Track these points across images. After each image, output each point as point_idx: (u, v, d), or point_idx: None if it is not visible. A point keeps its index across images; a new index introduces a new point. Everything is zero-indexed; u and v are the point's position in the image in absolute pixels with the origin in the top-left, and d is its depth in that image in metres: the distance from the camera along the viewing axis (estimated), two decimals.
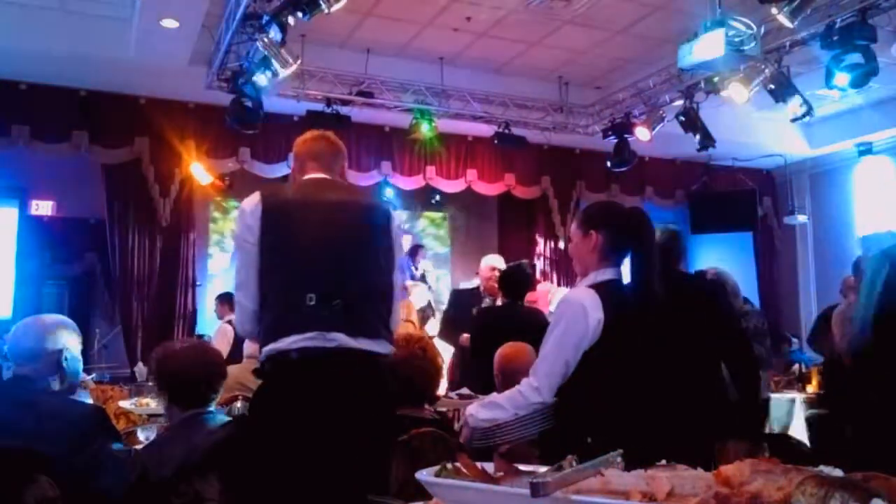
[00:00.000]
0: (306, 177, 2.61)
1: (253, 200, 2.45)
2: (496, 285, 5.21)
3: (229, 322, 7.28)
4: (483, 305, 5.32)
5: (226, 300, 7.74)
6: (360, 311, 2.40)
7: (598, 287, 2.31)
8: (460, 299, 5.79)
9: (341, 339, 2.32)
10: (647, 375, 2.28)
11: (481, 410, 2.34)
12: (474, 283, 6.27)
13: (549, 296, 7.00)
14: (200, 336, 7.75)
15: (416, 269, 9.09)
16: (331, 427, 2.28)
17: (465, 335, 5.16)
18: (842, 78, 6.11)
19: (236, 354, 5.08)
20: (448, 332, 5.66)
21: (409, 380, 2.77)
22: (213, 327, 9.10)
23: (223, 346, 6.33)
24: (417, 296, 7.63)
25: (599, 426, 2.16)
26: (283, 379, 2.35)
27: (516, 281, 4.82)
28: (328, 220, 2.48)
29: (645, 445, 2.03)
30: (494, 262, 5.49)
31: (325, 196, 2.55)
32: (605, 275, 2.36)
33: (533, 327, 5.08)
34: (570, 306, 2.30)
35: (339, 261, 2.42)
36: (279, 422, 2.31)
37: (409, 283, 8.56)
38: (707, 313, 3.33)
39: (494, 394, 2.52)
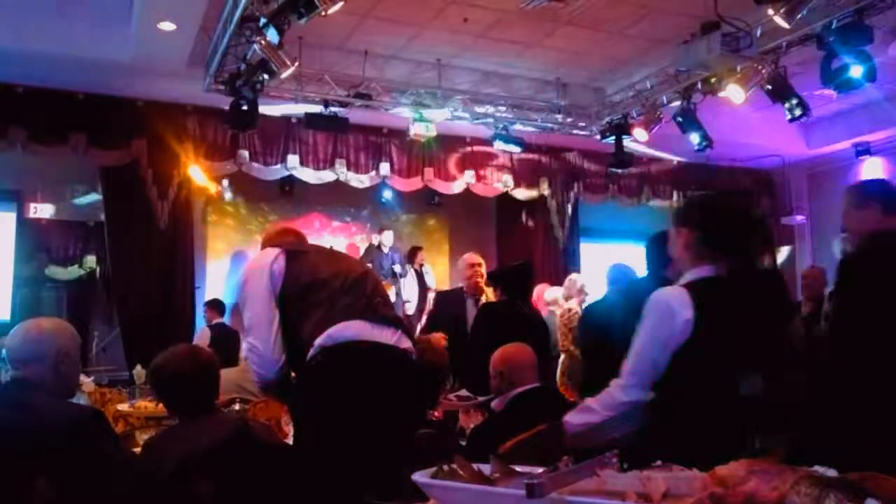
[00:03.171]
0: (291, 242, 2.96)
1: (272, 254, 2.77)
2: (479, 282, 5.18)
3: (212, 326, 7.49)
4: (483, 303, 5.28)
5: (214, 306, 7.86)
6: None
7: (690, 285, 2.23)
8: (443, 301, 5.77)
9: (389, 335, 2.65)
10: (740, 374, 2.21)
11: (575, 416, 2.28)
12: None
13: (546, 296, 7.00)
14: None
15: (416, 270, 9.11)
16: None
17: (438, 336, 5.13)
18: (839, 78, 6.12)
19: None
20: (426, 332, 5.63)
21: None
22: None
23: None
24: (409, 290, 7.64)
25: (690, 425, 2.11)
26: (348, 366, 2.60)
27: (519, 279, 4.79)
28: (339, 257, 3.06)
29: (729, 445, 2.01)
30: (474, 257, 5.45)
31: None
32: (701, 272, 2.26)
33: (536, 326, 5.10)
34: (657, 305, 2.22)
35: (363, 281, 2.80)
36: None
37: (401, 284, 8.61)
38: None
39: (588, 399, 2.46)
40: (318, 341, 2.58)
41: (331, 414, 2.55)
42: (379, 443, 2.50)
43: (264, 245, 2.97)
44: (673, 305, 2.17)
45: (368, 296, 2.74)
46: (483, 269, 5.29)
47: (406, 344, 2.72)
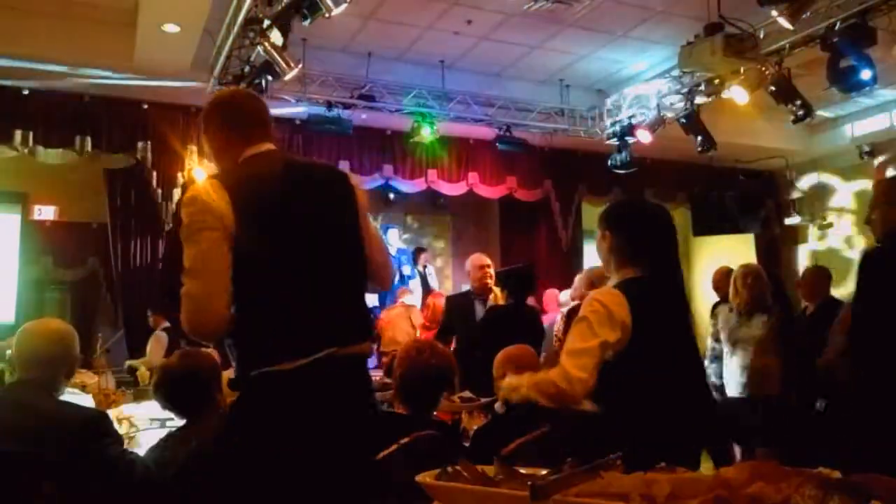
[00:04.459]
0: (255, 151, 2.18)
1: (214, 184, 2.00)
2: (489, 283, 5.19)
3: (164, 330, 7.53)
4: (491, 305, 5.29)
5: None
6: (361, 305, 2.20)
7: (621, 286, 2.32)
8: (452, 305, 5.77)
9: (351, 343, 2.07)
10: (675, 374, 2.28)
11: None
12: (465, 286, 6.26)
13: (561, 298, 6.99)
14: None
15: (419, 271, 9.11)
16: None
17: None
18: (848, 78, 6.12)
19: None
20: (440, 337, 5.65)
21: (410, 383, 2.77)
22: None
23: (158, 355, 6.85)
24: (418, 298, 7.67)
25: (632, 427, 2.16)
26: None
27: (524, 281, 4.81)
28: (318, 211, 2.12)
29: (675, 447, 2.06)
30: (482, 259, 5.46)
31: (303, 178, 2.20)
32: (628, 274, 2.37)
33: (538, 328, 5.11)
34: (592, 306, 2.29)
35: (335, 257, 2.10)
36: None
37: (409, 285, 8.60)
38: None
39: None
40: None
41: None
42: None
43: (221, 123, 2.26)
44: (610, 306, 2.25)
45: None
46: (492, 271, 5.30)
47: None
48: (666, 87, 8.07)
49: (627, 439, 1.74)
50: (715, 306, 5.62)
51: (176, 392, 2.66)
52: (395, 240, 9.32)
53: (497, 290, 5.22)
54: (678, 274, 2.45)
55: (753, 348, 4.67)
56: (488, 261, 5.41)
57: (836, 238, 10.24)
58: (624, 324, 2.22)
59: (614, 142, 8.75)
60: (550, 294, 7.20)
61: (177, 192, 8.24)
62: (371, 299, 9.45)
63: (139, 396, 5.36)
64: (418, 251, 9.56)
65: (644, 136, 8.41)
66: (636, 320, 2.22)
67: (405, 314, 7.30)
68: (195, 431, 2.54)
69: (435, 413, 3.00)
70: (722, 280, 6.60)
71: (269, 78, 6.53)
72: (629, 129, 8.55)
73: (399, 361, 2.84)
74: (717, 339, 4.98)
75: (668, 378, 2.26)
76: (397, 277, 8.99)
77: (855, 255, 9.19)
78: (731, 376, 4.77)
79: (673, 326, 2.35)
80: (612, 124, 8.74)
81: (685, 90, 7.84)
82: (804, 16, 5.69)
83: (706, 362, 4.80)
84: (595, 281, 5.04)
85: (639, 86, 8.38)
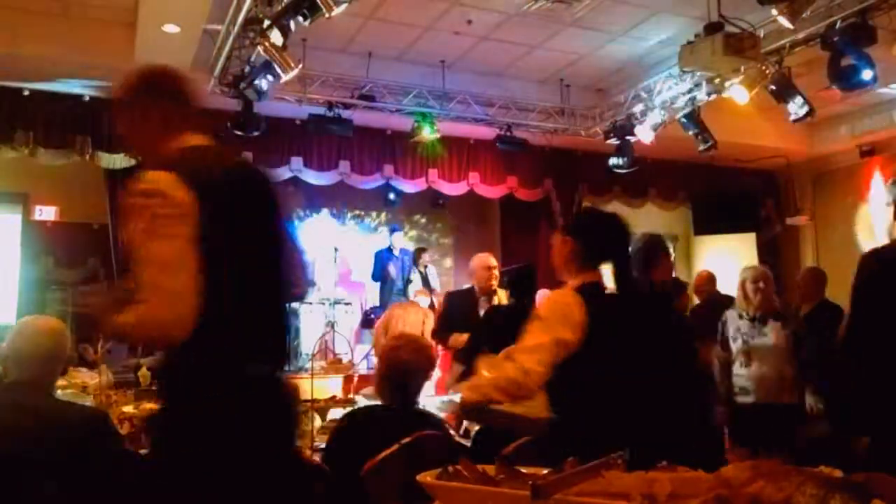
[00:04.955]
0: (191, 144, 2.04)
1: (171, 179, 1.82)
2: (494, 285, 5.18)
3: None
4: (493, 304, 5.27)
5: None
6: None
7: (578, 289, 2.43)
8: (454, 301, 5.76)
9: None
10: (629, 376, 2.37)
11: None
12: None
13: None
14: None
15: (420, 271, 9.10)
16: None
17: (456, 336, 5.13)
18: (849, 77, 6.11)
19: None
20: (441, 333, 5.63)
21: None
22: None
23: None
24: (421, 302, 7.66)
25: (587, 425, 2.24)
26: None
27: (527, 281, 4.81)
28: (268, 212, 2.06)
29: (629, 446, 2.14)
30: (489, 259, 5.46)
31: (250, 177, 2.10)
32: (586, 278, 2.49)
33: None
34: (550, 305, 2.42)
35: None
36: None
37: (417, 290, 8.57)
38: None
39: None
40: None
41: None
42: None
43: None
44: (567, 306, 2.36)
45: None
46: (497, 272, 5.29)
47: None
48: (666, 86, 8.07)
49: (582, 443, 1.79)
50: (719, 311, 5.46)
51: None
52: (398, 242, 9.32)
53: (502, 292, 5.21)
54: (634, 279, 2.64)
55: (770, 357, 4.53)
56: (495, 262, 5.39)
57: (837, 238, 10.23)
58: (580, 325, 2.32)
59: (615, 141, 8.74)
60: (543, 295, 7.16)
61: None
62: (372, 299, 9.46)
63: (140, 397, 5.36)
64: (419, 251, 9.56)
65: (645, 136, 8.40)
66: (592, 322, 2.33)
67: (419, 311, 7.24)
68: None
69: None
70: (703, 284, 6.65)
71: (270, 78, 6.53)
72: (630, 129, 8.54)
73: (380, 356, 2.99)
74: (724, 347, 4.70)
75: (621, 382, 2.35)
76: (400, 279, 8.98)
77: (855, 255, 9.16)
78: (749, 384, 4.57)
79: (628, 331, 2.46)
80: (613, 124, 8.74)
81: (686, 89, 7.84)
82: (804, 15, 5.68)
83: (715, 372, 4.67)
84: None
85: (639, 85, 8.37)
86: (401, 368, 2.81)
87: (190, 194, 1.81)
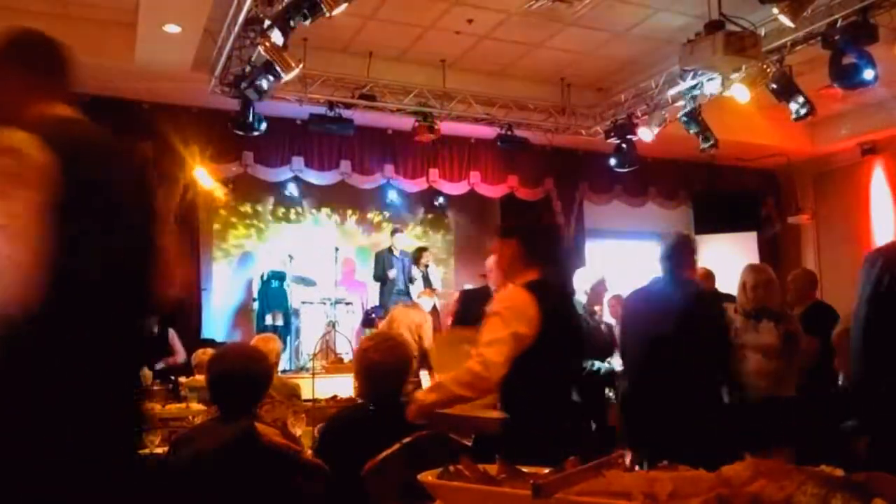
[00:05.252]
0: (59, 114, 1.86)
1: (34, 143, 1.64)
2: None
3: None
4: None
5: None
6: None
7: (527, 286, 2.56)
8: (470, 298, 5.76)
9: None
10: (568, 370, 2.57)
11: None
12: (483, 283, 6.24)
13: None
14: (211, 341, 7.75)
15: (421, 271, 9.10)
16: None
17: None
18: (849, 75, 6.11)
19: None
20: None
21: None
22: (219, 331, 9.14)
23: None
24: (424, 303, 7.65)
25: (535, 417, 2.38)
26: None
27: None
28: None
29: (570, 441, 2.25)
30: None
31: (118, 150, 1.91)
32: (530, 276, 2.63)
33: None
34: (505, 302, 2.53)
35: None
36: None
37: (421, 291, 8.57)
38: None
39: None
40: None
41: None
42: None
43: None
44: (521, 303, 2.49)
45: None
46: None
47: None
48: (667, 85, 8.07)
49: (535, 440, 1.83)
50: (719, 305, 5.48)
51: (215, 386, 2.67)
52: (399, 243, 9.31)
53: None
54: (567, 275, 2.86)
55: (762, 355, 4.54)
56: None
57: (838, 237, 10.22)
58: (533, 320, 2.44)
59: (615, 140, 8.74)
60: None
61: (178, 193, 8.25)
62: (373, 299, 9.46)
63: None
64: (420, 251, 9.56)
65: (645, 135, 8.40)
66: (542, 317, 2.46)
67: (420, 313, 7.22)
68: (218, 430, 2.54)
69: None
70: (702, 280, 6.61)
71: (271, 78, 6.53)
72: (630, 128, 8.54)
73: (354, 356, 3.09)
74: None
75: (564, 375, 2.55)
76: (401, 281, 8.97)
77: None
78: (743, 379, 4.63)
79: (566, 323, 2.65)
80: (614, 123, 8.73)
81: (686, 88, 7.84)
82: (805, 13, 5.68)
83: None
84: (598, 288, 5.04)
85: (640, 84, 8.37)
86: (371, 368, 2.81)
87: (50, 157, 1.61)
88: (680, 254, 3.78)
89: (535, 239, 2.75)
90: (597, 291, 5.08)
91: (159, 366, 6.59)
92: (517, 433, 2.28)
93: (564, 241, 3.07)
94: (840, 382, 4.93)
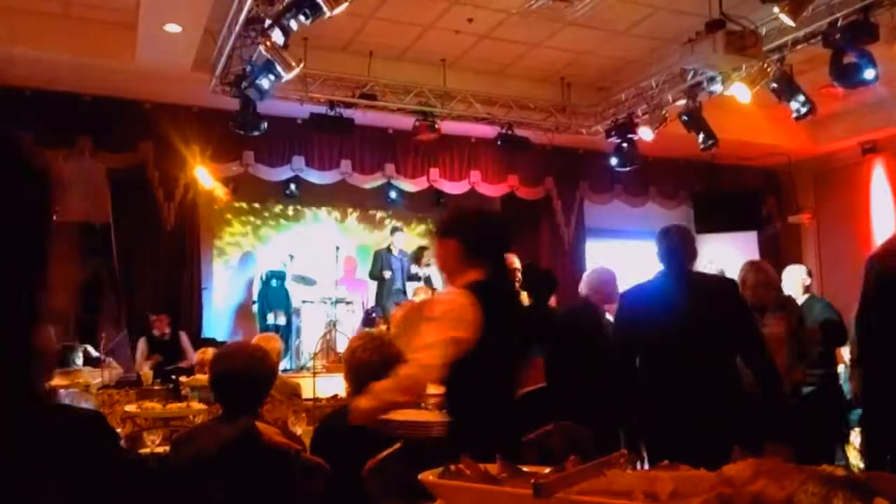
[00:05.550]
0: None
1: None
2: (517, 285, 5.17)
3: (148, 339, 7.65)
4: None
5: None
6: None
7: (468, 287, 2.47)
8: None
9: None
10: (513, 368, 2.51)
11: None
12: None
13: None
14: (212, 340, 7.77)
15: (421, 270, 9.10)
16: None
17: None
18: (850, 74, 6.11)
19: None
20: None
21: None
22: (220, 330, 9.14)
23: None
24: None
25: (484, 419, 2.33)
26: None
27: (547, 280, 4.81)
28: None
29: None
30: (514, 262, 5.42)
31: None
32: (471, 276, 2.51)
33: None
34: (444, 306, 2.45)
35: None
36: None
37: (416, 287, 8.58)
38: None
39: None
40: None
41: None
42: None
43: None
44: (461, 306, 2.39)
45: None
46: (520, 273, 5.27)
47: None
48: (668, 84, 8.06)
49: (478, 442, 1.81)
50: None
51: (218, 385, 2.67)
52: (399, 243, 9.30)
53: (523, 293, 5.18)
54: (509, 275, 2.75)
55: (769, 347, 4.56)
56: (518, 264, 5.36)
57: (839, 236, 10.22)
58: (473, 323, 2.35)
59: (616, 139, 8.74)
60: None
61: (179, 192, 8.26)
62: (373, 298, 9.45)
63: (142, 397, 5.37)
64: (420, 250, 9.55)
65: (646, 134, 8.40)
66: (484, 319, 2.37)
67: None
68: (220, 430, 2.54)
69: None
70: None
71: (271, 77, 6.54)
72: (631, 127, 8.54)
73: (343, 355, 3.09)
74: None
75: (506, 376, 2.47)
76: (399, 280, 8.97)
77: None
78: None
79: (508, 325, 2.53)
80: (614, 122, 8.73)
81: (687, 87, 7.83)
82: (806, 13, 5.68)
83: None
84: (598, 286, 5.01)
85: (640, 83, 8.36)
86: (360, 367, 2.82)
87: None
88: (686, 245, 3.72)
89: (477, 237, 2.58)
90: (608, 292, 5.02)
91: (170, 367, 6.67)
92: (461, 435, 2.27)
93: (510, 232, 2.91)
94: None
